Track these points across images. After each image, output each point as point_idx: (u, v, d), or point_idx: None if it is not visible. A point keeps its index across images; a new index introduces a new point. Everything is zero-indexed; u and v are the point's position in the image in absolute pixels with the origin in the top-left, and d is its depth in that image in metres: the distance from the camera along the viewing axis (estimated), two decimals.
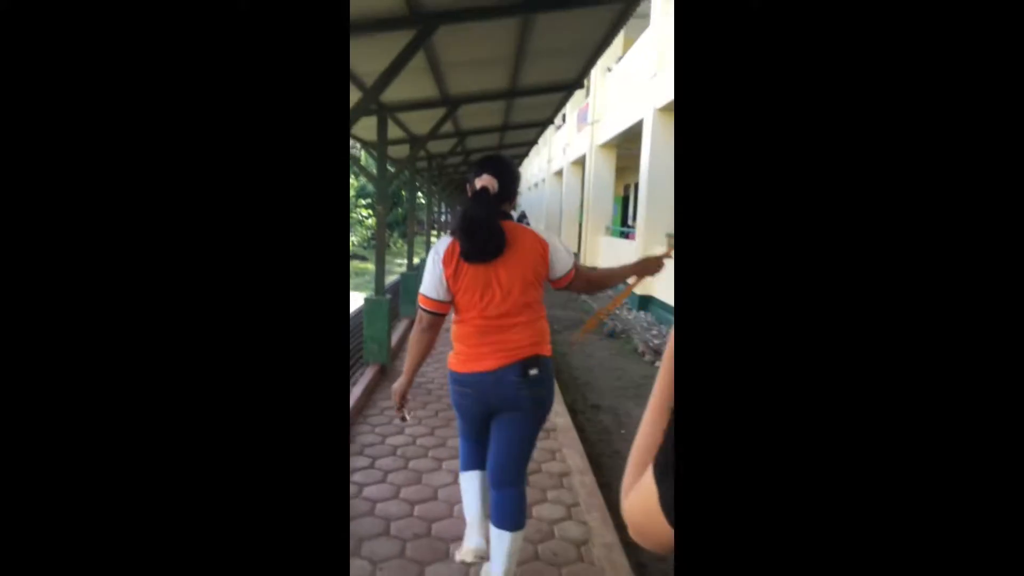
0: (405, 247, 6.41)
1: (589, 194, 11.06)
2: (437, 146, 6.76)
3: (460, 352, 1.61)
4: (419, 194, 10.59)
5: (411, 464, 2.68)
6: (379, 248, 4.34)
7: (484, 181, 1.54)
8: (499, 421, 1.63)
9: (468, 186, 1.61)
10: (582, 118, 12.00)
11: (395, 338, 4.85)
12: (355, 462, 2.67)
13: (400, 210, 17.72)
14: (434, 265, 1.55)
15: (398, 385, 1.67)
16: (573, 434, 3.11)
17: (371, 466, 2.64)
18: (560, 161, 15.06)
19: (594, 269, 1.84)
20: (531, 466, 2.69)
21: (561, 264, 1.61)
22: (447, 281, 1.54)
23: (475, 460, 1.75)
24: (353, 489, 2.42)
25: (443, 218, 17.11)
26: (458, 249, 1.52)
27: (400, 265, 12.47)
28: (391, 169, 4.60)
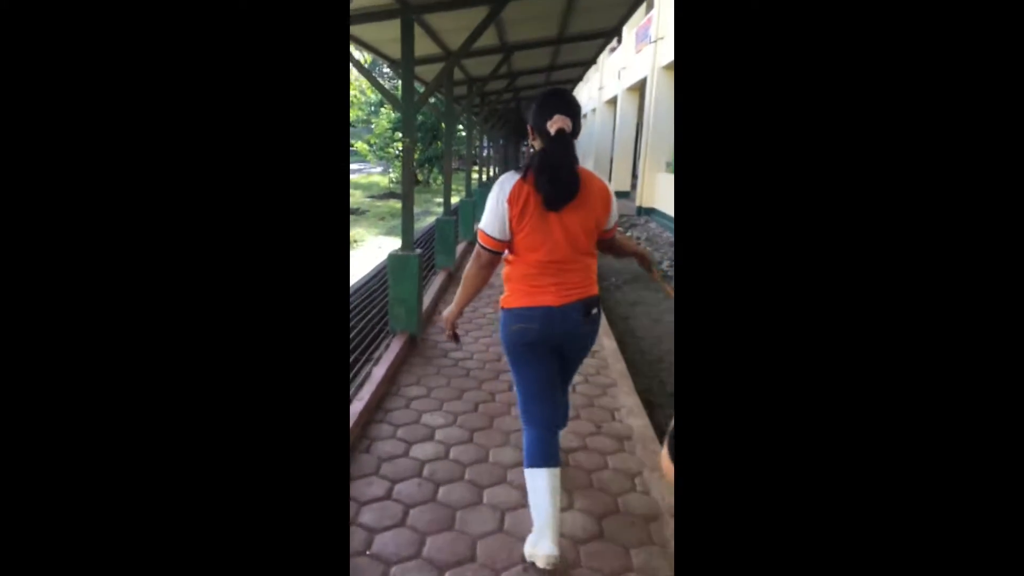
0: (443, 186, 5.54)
1: (649, 124, 9.79)
2: (477, 67, 5.79)
3: (519, 289, 1.56)
4: (459, 126, 9.72)
5: (440, 494, 1.98)
6: (406, 190, 3.49)
7: (561, 123, 1.47)
8: (560, 362, 1.65)
9: (531, 127, 1.54)
10: (642, 36, 10.57)
11: (428, 298, 4.13)
12: (367, 488, 1.99)
13: (439, 143, 16.72)
14: (498, 204, 1.49)
15: (449, 314, 1.67)
16: (656, 447, 2.35)
17: (388, 495, 1.96)
18: (614, 87, 13.64)
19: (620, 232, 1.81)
20: (607, 503, 1.96)
21: (612, 218, 1.62)
22: (511, 222, 1.50)
23: (545, 453, 1.59)
24: (360, 538, 1.74)
25: (485, 152, 16.12)
26: (526, 191, 1.47)
27: (438, 206, 11.70)
28: (419, 91, 3.72)
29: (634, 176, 14.74)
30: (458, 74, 5.70)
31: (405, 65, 3.30)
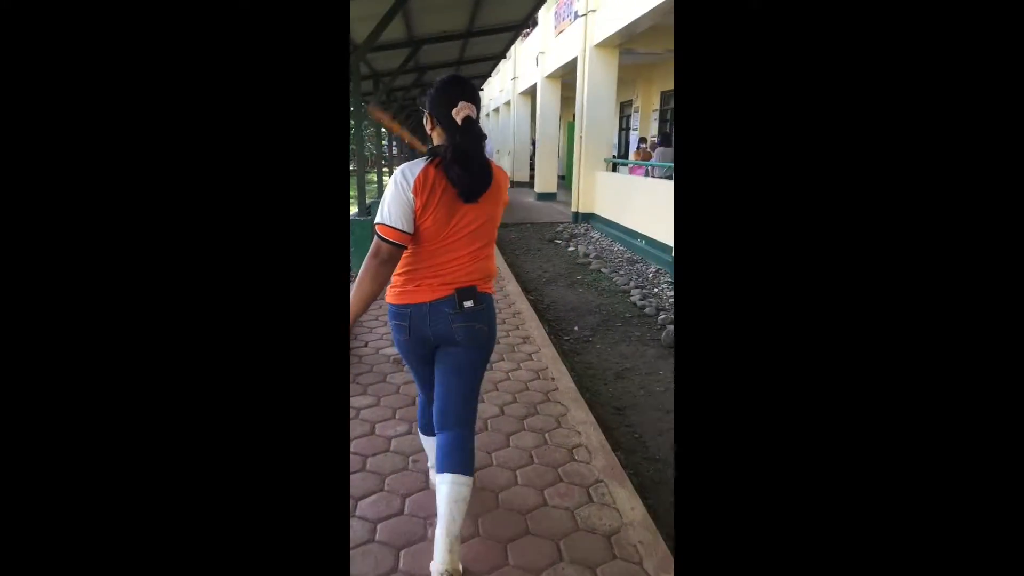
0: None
1: (582, 115, 8.62)
2: (384, 61, 4.93)
3: (398, 283, 1.50)
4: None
5: None
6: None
7: (468, 110, 1.40)
8: (438, 358, 1.57)
9: (430, 115, 1.46)
10: (564, 14, 9.40)
11: None
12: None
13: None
14: (401, 193, 1.39)
15: None
16: None
17: None
18: (532, 76, 12.43)
19: None
20: None
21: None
22: (415, 212, 1.40)
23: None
24: None
25: (393, 152, 14.39)
26: (432, 179, 1.39)
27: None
28: None
29: (560, 176, 13.65)
30: (363, 69, 4.73)
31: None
